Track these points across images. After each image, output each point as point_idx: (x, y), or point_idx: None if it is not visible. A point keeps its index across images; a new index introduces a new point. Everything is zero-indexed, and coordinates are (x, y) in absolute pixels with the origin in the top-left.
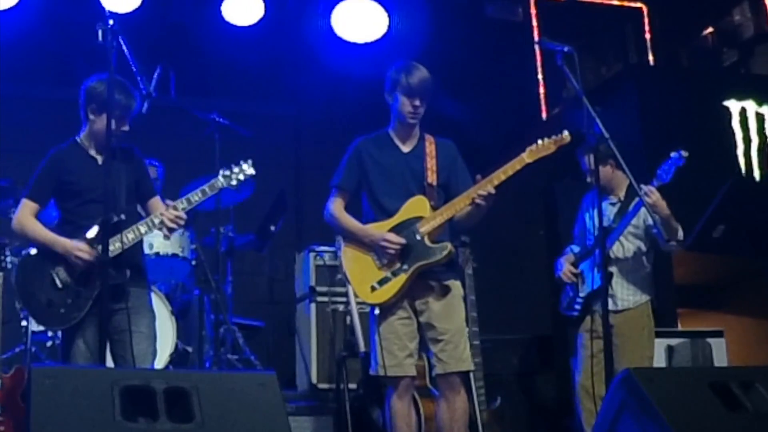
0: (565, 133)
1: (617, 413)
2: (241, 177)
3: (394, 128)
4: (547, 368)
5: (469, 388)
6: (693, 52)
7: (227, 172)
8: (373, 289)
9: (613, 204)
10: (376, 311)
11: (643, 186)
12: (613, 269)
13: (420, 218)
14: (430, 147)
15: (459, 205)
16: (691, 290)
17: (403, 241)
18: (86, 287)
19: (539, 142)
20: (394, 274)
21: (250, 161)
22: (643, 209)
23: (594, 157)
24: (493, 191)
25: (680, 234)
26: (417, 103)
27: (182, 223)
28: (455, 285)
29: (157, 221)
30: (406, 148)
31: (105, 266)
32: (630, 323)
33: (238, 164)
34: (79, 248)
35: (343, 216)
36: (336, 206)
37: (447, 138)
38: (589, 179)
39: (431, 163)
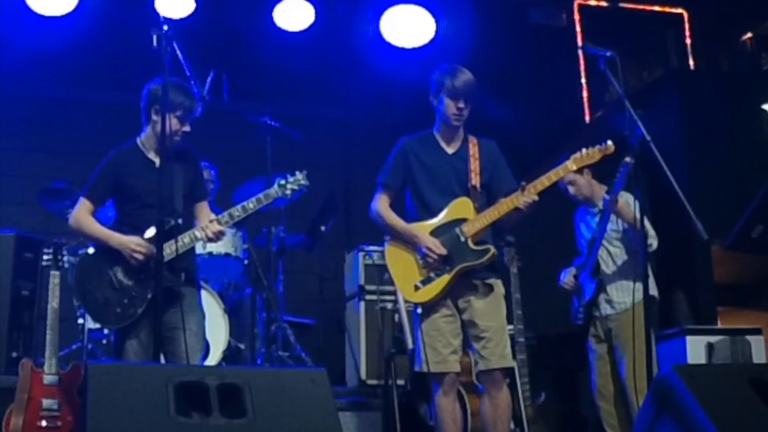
0: (609, 143)
1: (658, 409)
2: (295, 187)
3: (439, 130)
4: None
5: (514, 383)
6: (732, 56)
7: (282, 182)
8: (416, 288)
9: (594, 215)
10: (419, 310)
11: (605, 197)
12: (602, 275)
13: (464, 220)
14: (474, 148)
15: (503, 210)
16: (730, 289)
17: (444, 252)
18: (142, 288)
19: (583, 150)
20: (437, 274)
21: (304, 172)
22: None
23: (630, 159)
24: (536, 198)
25: (651, 234)
26: (461, 105)
27: (222, 238)
28: (497, 284)
29: (200, 235)
30: (450, 150)
31: (160, 268)
32: (627, 325)
33: (293, 174)
34: (136, 243)
35: (389, 214)
36: (381, 203)
37: (490, 139)
38: (572, 191)
39: (475, 165)
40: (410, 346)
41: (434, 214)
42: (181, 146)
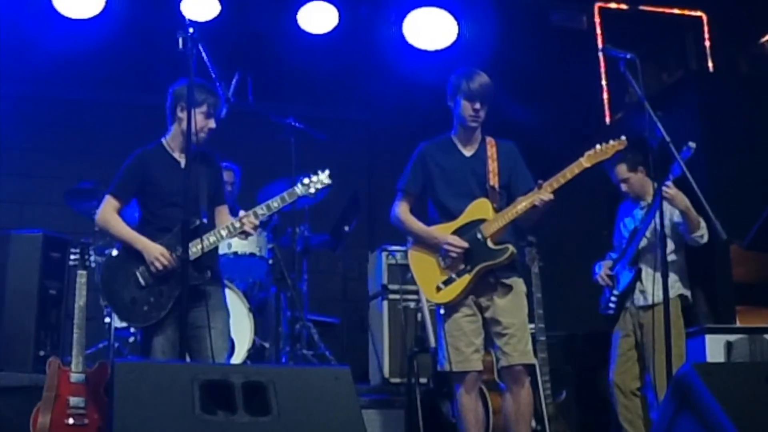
0: (623, 138)
1: (678, 407)
2: (319, 186)
3: (457, 133)
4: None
5: (535, 381)
6: (751, 59)
7: (306, 181)
8: (438, 289)
9: (642, 209)
10: (442, 310)
11: (665, 184)
12: (641, 265)
13: (483, 220)
14: (492, 149)
15: (520, 209)
16: (749, 288)
17: (465, 245)
18: (168, 287)
19: (597, 146)
20: (458, 275)
21: (327, 171)
22: (667, 207)
23: (655, 160)
24: (552, 196)
25: (702, 226)
26: (477, 106)
27: (255, 231)
28: (518, 282)
29: (238, 225)
30: (468, 152)
31: (186, 267)
32: (659, 318)
33: (316, 173)
34: (159, 252)
35: (409, 218)
36: (401, 209)
37: (510, 140)
38: (624, 188)
39: (493, 166)
40: (433, 344)
41: (455, 217)
42: (205, 150)
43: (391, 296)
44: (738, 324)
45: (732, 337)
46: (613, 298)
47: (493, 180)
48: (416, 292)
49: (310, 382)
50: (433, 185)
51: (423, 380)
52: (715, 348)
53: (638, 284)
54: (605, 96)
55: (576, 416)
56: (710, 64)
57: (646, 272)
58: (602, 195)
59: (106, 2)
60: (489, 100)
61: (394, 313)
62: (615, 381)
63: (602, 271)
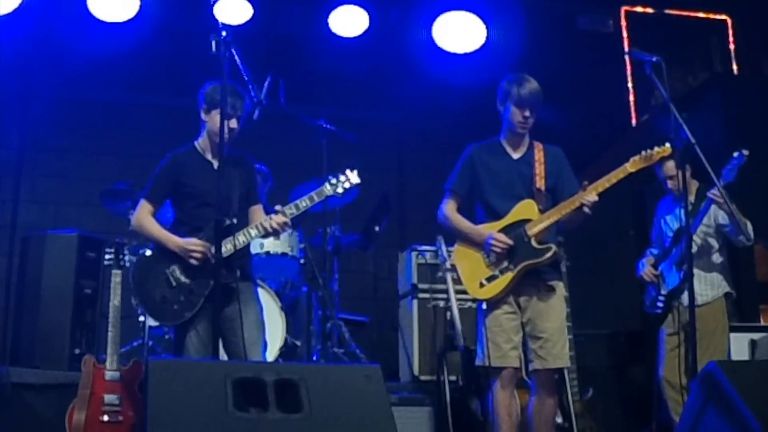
0: (667, 145)
1: (703, 405)
2: (347, 185)
3: (505, 136)
4: (636, 361)
5: (562, 379)
6: None
7: (334, 180)
8: (481, 285)
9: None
10: (484, 306)
11: (715, 187)
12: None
13: (528, 220)
14: (539, 154)
15: (565, 210)
16: None
17: (510, 241)
18: (199, 286)
19: (642, 152)
20: (502, 272)
21: (355, 171)
22: (712, 208)
23: (681, 162)
24: (596, 198)
25: (749, 227)
26: (527, 113)
27: (287, 229)
28: (559, 285)
29: (267, 224)
30: (516, 155)
31: (219, 266)
32: (707, 318)
33: (344, 173)
34: (193, 244)
35: (455, 217)
36: (449, 208)
37: (555, 145)
38: (670, 185)
39: (540, 169)
40: (462, 342)
41: (501, 217)
42: (237, 152)
43: (421, 295)
44: (762, 323)
45: (756, 336)
46: (661, 298)
47: (540, 183)
48: (446, 291)
49: (341, 380)
50: (480, 186)
51: (452, 378)
52: (739, 346)
53: (687, 284)
54: (631, 98)
55: (602, 413)
56: (735, 67)
57: (695, 273)
58: (628, 195)
59: (141, 6)
60: (538, 107)
61: (423, 312)
62: (665, 377)
63: (646, 268)
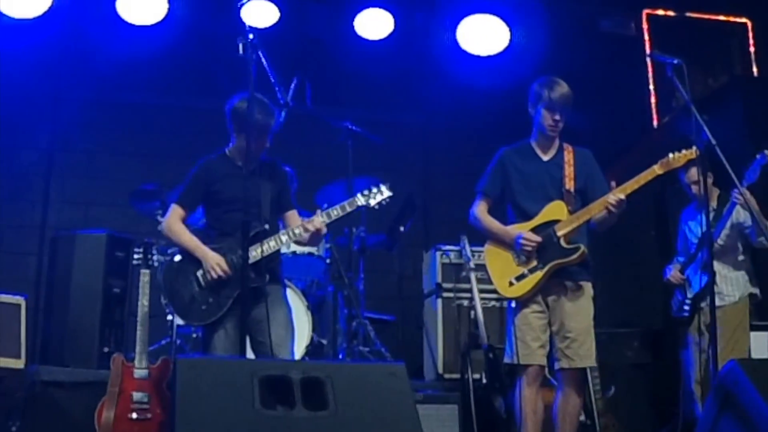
0: (694, 148)
1: (723, 403)
2: (379, 198)
3: (536, 139)
4: (657, 360)
5: (585, 378)
6: None
7: (366, 192)
8: (510, 284)
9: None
10: (513, 304)
11: (736, 190)
12: (715, 268)
13: (558, 221)
14: (569, 156)
15: (594, 211)
16: None
17: (539, 239)
18: (227, 287)
19: (670, 155)
20: (531, 271)
21: (388, 184)
22: (735, 210)
23: (702, 163)
24: (624, 198)
25: None
26: (557, 117)
27: (323, 233)
28: (587, 286)
29: (297, 231)
30: (546, 157)
31: (245, 269)
32: (731, 318)
33: (377, 186)
34: (217, 262)
35: (486, 218)
36: (480, 209)
37: (584, 147)
38: (694, 190)
39: (569, 171)
40: (485, 341)
41: (531, 219)
42: (268, 159)
43: (445, 294)
44: None
45: None
46: (687, 302)
47: (569, 184)
48: (470, 291)
49: (366, 378)
50: (511, 188)
51: (476, 376)
52: (759, 344)
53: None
54: (653, 100)
55: (623, 411)
56: (755, 69)
57: (720, 275)
58: (650, 196)
59: (169, 9)
60: (569, 111)
61: (448, 311)
62: (697, 379)
63: (673, 273)
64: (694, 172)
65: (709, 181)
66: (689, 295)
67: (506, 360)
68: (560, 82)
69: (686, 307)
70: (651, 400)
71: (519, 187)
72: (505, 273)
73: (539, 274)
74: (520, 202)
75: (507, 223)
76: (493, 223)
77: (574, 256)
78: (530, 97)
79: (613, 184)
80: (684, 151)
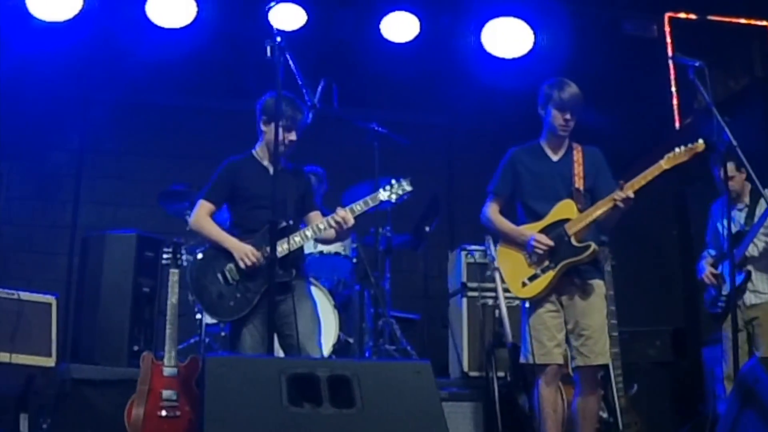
0: (700, 141)
1: (744, 399)
2: (400, 192)
3: (546, 139)
4: (680, 358)
5: (608, 375)
6: None
7: (388, 187)
8: (523, 284)
9: (740, 210)
10: (527, 304)
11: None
12: (750, 267)
13: (568, 220)
14: (578, 155)
15: (603, 208)
16: None
17: (551, 243)
18: (254, 284)
19: (676, 150)
20: (543, 271)
21: (409, 178)
22: None
23: (725, 164)
24: (632, 195)
25: None
26: (568, 116)
27: (350, 224)
28: (599, 284)
29: (322, 226)
30: (555, 157)
31: (273, 265)
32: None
33: (398, 180)
34: (249, 250)
35: (498, 218)
36: (491, 210)
37: (593, 145)
38: (730, 185)
39: (578, 170)
40: (510, 339)
41: (541, 218)
42: (292, 165)
43: (470, 293)
44: None
45: None
46: (722, 298)
47: (579, 183)
48: (494, 290)
49: (392, 376)
50: (522, 188)
51: (500, 374)
52: None
53: (749, 284)
54: (675, 102)
55: (646, 408)
56: None
57: (756, 273)
58: (671, 197)
59: (197, 12)
60: (579, 111)
61: (473, 310)
62: (729, 375)
63: (707, 270)
64: (731, 168)
65: (742, 176)
66: (724, 292)
67: (522, 360)
68: (569, 82)
69: (720, 304)
70: (673, 397)
71: (529, 187)
72: (517, 274)
73: (551, 273)
74: (530, 202)
75: (517, 222)
76: (505, 224)
77: (586, 254)
78: (540, 99)
79: (622, 182)
80: (689, 145)
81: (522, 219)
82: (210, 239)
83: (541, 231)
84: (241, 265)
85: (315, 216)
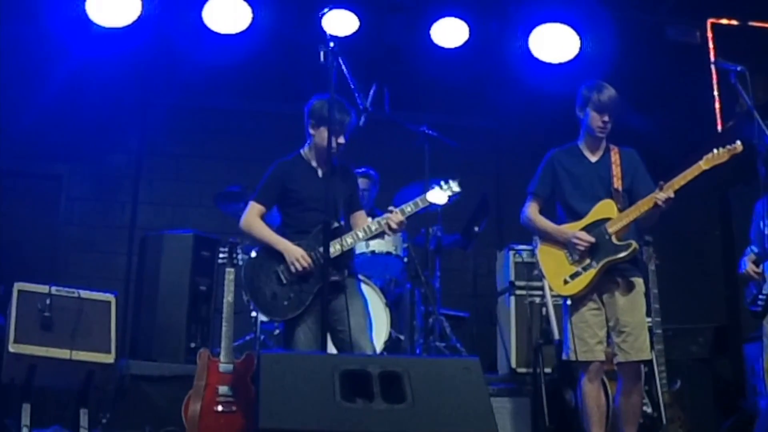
0: (738, 143)
1: None
2: (449, 193)
3: (584, 140)
4: (722, 354)
5: (652, 372)
6: None
7: (437, 188)
8: (565, 282)
9: None
10: (569, 302)
11: None
12: None
13: (608, 219)
14: (615, 156)
15: (643, 208)
16: None
17: (592, 239)
18: (308, 284)
19: (714, 151)
20: (585, 269)
21: (458, 179)
22: None
23: (765, 165)
24: (672, 195)
25: None
26: (606, 118)
27: (402, 227)
28: (638, 282)
29: (374, 227)
30: (594, 158)
31: (327, 265)
32: None
33: (447, 182)
34: (300, 254)
35: (538, 218)
36: (531, 210)
37: (630, 147)
38: None
39: (616, 170)
40: (557, 336)
41: (581, 218)
42: (340, 162)
43: (518, 292)
44: None
45: None
46: (762, 296)
47: (617, 183)
48: (541, 288)
49: (442, 372)
50: (561, 188)
51: (548, 370)
52: None
53: None
54: (717, 105)
55: (689, 404)
56: None
57: None
58: (714, 198)
59: (253, 18)
60: (616, 113)
61: (520, 308)
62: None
63: (748, 266)
64: None
65: None
66: (765, 291)
67: (564, 357)
68: (607, 85)
69: (760, 302)
70: (715, 393)
71: (569, 188)
72: (559, 272)
73: (593, 271)
74: (570, 202)
75: (557, 222)
76: (546, 224)
77: (627, 253)
78: (578, 101)
79: (662, 183)
80: (728, 147)
81: (562, 219)
82: (261, 240)
83: (582, 230)
84: (292, 269)
85: (360, 216)
